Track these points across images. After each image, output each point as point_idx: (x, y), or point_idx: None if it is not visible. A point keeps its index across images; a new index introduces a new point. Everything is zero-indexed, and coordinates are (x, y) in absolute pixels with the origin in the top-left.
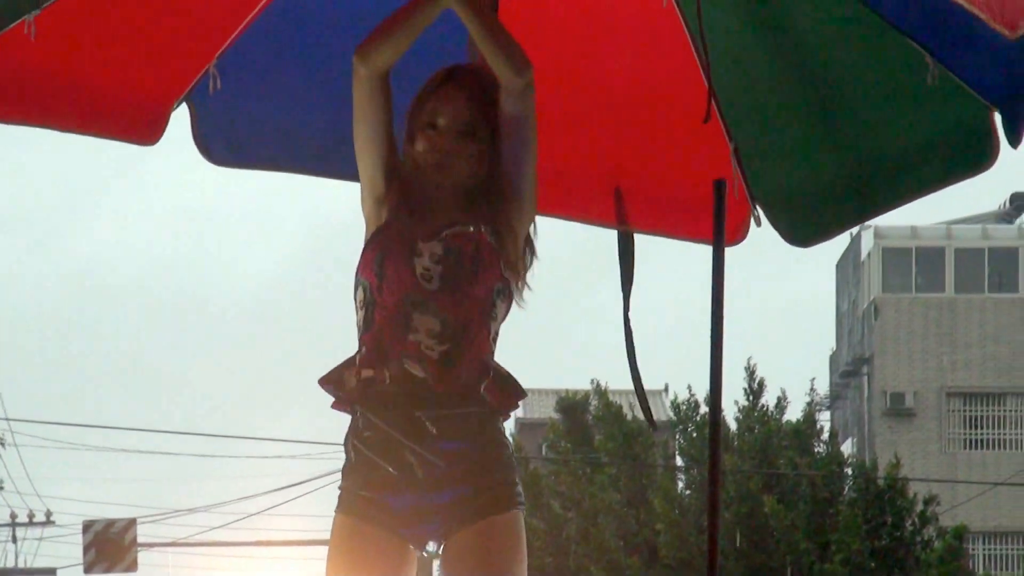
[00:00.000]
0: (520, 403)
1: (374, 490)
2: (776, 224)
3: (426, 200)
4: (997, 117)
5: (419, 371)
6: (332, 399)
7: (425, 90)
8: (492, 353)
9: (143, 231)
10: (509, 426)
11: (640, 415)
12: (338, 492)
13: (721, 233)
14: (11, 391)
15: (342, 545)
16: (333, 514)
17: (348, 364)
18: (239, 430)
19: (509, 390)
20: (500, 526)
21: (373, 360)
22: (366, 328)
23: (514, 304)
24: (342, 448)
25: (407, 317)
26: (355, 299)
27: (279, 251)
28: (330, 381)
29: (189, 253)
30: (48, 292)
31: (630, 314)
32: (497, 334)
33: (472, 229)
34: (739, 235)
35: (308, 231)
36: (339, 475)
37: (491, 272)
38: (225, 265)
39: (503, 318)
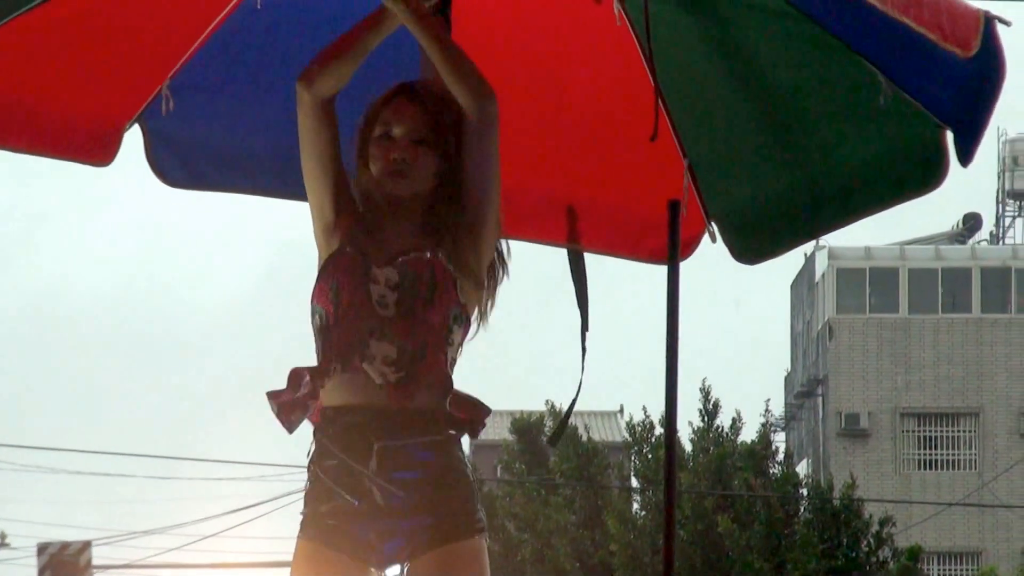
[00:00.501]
0: (485, 420)
1: (336, 517)
2: (726, 240)
3: (381, 223)
4: (949, 136)
5: (376, 399)
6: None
7: (376, 105)
8: (450, 378)
9: (98, 253)
10: (463, 446)
11: (595, 436)
12: (300, 517)
13: (676, 254)
14: None
15: (305, 569)
16: (295, 538)
17: (304, 387)
18: (194, 452)
19: (473, 409)
20: (462, 552)
21: (330, 387)
22: (323, 355)
23: (478, 327)
24: (298, 469)
25: (364, 344)
26: (312, 325)
27: (238, 272)
28: (284, 399)
29: (146, 274)
30: (2, 314)
31: (587, 331)
32: (455, 360)
33: (428, 255)
34: (688, 251)
35: (268, 253)
36: (295, 496)
37: (447, 297)
38: (182, 287)
39: (461, 343)
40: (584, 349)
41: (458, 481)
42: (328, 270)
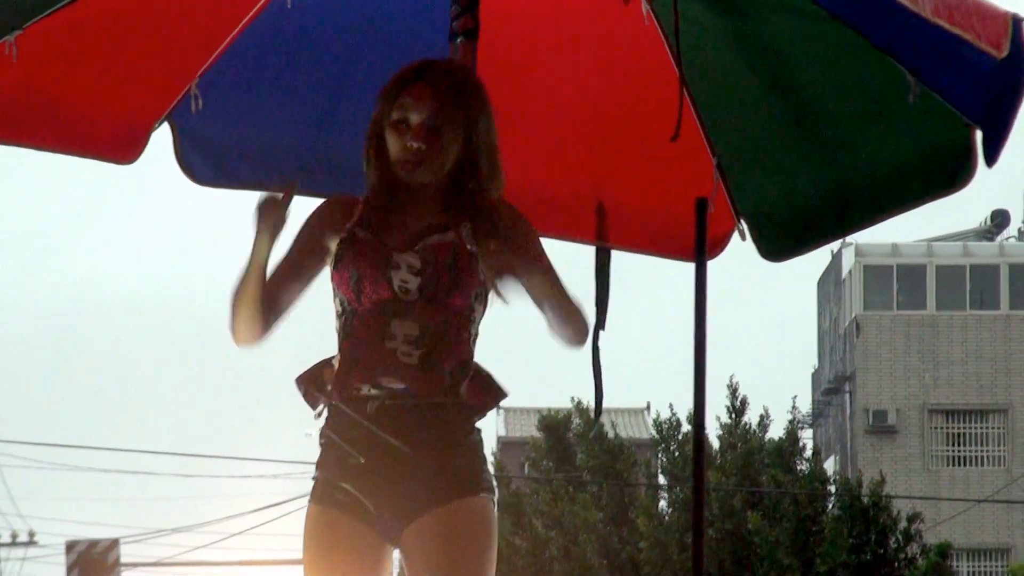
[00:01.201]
0: (500, 402)
1: (347, 479)
2: (754, 238)
3: (400, 205)
4: (978, 135)
5: (398, 381)
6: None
7: (394, 85)
8: (472, 353)
9: (135, 250)
10: (491, 445)
11: (622, 433)
12: (312, 482)
13: (703, 252)
14: None
15: (318, 535)
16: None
17: (328, 368)
18: (223, 450)
19: (489, 389)
20: (464, 509)
21: (351, 368)
22: (344, 336)
23: (507, 301)
24: None
25: (385, 325)
26: (334, 305)
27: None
28: (308, 381)
29: (182, 270)
30: (33, 313)
31: (602, 331)
32: (477, 333)
33: (452, 235)
34: (717, 249)
35: None
36: None
37: (469, 280)
38: (216, 283)
39: (482, 316)
40: (597, 348)
41: (468, 441)
42: (346, 258)
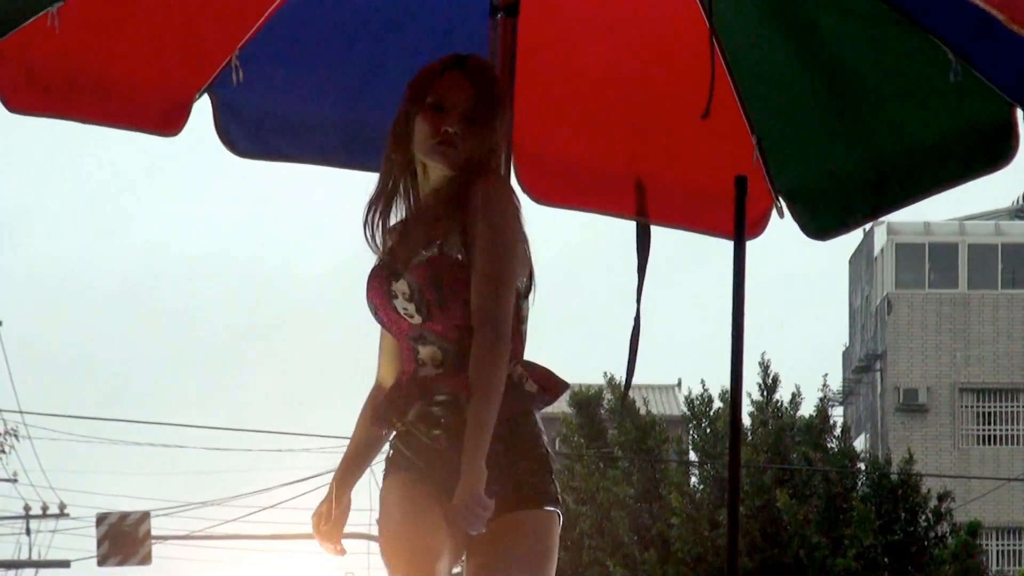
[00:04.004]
0: (559, 395)
1: (417, 468)
2: (796, 217)
3: (416, 217)
4: (1019, 114)
5: (438, 419)
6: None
7: (427, 74)
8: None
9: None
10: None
11: (654, 409)
12: (384, 463)
13: (742, 229)
14: (26, 383)
15: (400, 492)
16: (382, 481)
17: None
18: (254, 423)
19: (548, 378)
20: (522, 522)
21: (395, 399)
22: (386, 362)
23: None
24: None
25: (414, 353)
26: None
27: (326, 253)
28: (380, 419)
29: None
30: (70, 288)
31: (641, 305)
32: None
33: (433, 248)
34: (759, 229)
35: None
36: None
37: (459, 288)
38: (273, 260)
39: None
40: (637, 324)
41: (528, 452)
42: (367, 286)
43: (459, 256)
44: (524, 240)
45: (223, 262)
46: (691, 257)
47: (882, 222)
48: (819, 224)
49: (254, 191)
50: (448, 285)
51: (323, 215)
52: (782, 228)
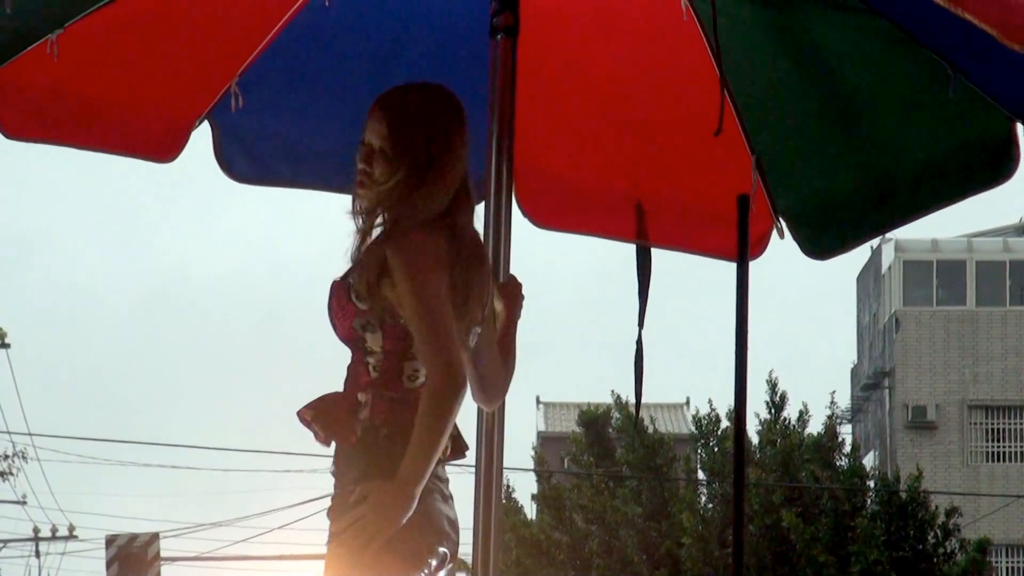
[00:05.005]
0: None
1: None
2: (796, 236)
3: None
4: (1020, 129)
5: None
6: None
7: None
8: (370, 383)
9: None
10: (531, 439)
11: (662, 428)
12: None
13: (745, 249)
14: (36, 404)
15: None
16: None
17: None
18: (261, 444)
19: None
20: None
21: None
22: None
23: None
24: None
25: None
26: None
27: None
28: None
29: (237, 268)
30: (79, 307)
31: (643, 330)
32: (384, 361)
33: (338, 276)
34: (759, 249)
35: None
36: None
37: (341, 310)
38: (254, 280)
39: (392, 348)
40: (640, 349)
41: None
42: None
43: (347, 279)
44: (459, 283)
45: (236, 283)
46: (701, 274)
47: (889, 239)
48: (820, 243)
49: (271, 211)
50: (333, 307)
51: (341, 235)
52: (791, 246)
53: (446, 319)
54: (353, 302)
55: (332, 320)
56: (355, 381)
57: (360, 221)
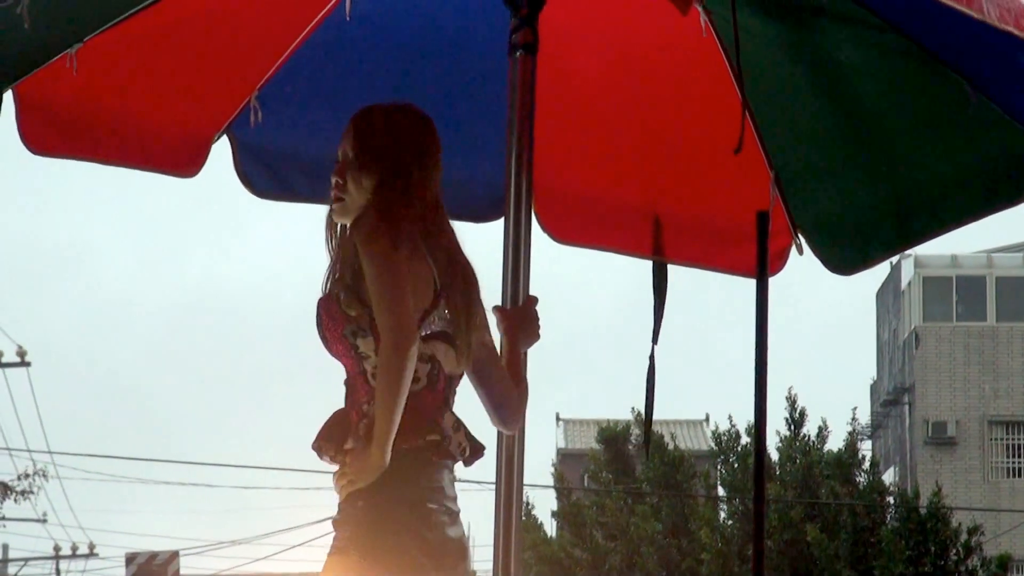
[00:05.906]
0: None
1: None
2: (818, 252)
3: None
4: None
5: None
6: None
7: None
8: (370, 392)
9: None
10: (550, 456)
11: (682, 445)
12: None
13: (765, 265)
14: (57, 421)
15: None
16: None
17: None
18: (287, 459)
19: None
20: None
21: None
22: None
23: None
24: None
25: None
26: None
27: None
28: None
29: (258, 284)
30: (107, 322)
31: (656, 346)
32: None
33: (324, 291)
34: (778, 265)
35: None
36: None
37: (331, 324)
38: (282, 295)
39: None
40: (652, 360)
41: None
42: None
43: (333, 291)
44: (417, 259)
45: (264, 299)
46: (720, 291)
47: (909, 255)
48: (841, 259)
49: (301, 226)
50: (321, 323)
51: None
52: (811, 263)
53: (401, 287)
54: (343, 311)
55: (323, 336)
56: (354, 395)
57: (335, 242)
